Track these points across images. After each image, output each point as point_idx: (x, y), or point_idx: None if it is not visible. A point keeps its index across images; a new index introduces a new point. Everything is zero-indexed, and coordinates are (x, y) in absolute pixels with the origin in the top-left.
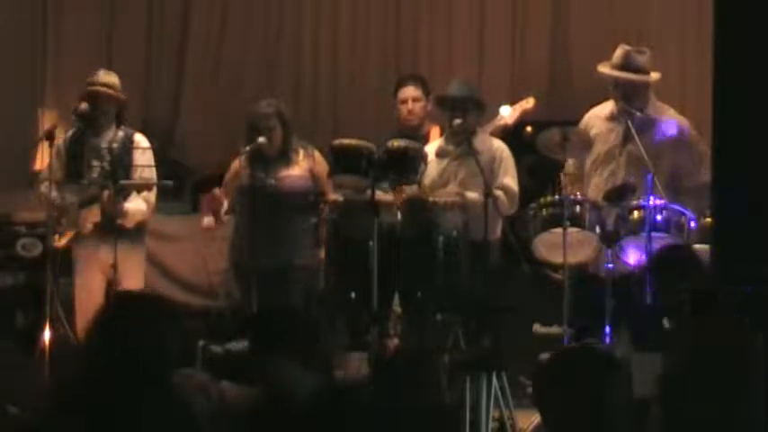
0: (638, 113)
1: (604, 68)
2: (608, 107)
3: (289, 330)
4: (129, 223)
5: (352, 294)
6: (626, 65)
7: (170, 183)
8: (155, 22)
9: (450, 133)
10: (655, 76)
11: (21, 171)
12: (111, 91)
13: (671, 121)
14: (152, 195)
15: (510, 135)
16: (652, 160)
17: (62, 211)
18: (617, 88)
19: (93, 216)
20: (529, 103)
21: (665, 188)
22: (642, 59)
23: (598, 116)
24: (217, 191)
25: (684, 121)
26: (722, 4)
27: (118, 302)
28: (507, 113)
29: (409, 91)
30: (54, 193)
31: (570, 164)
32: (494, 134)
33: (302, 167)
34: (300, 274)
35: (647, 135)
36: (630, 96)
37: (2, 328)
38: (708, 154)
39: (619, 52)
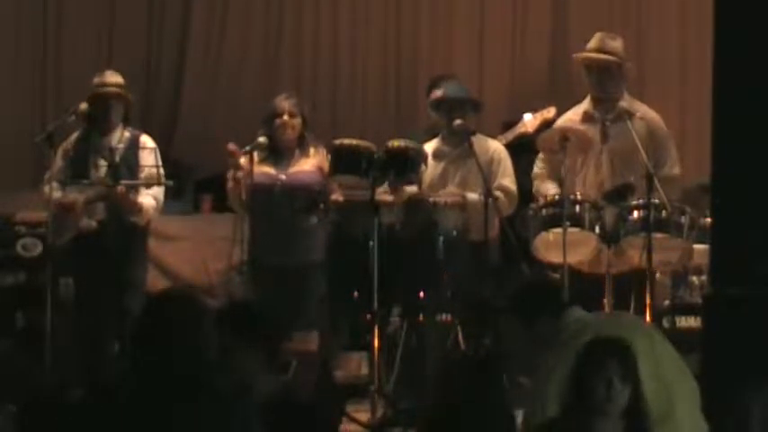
0: (609, 117)
1: (579, 54)
2: (581, 108)
3: (256, 327)
4: (143, 220)
5: (355, 294)
6: (598, 49)
7: (170, 183)
8: (155, 22)
9: (448, 134)
10: (629, 65)
11: (22, 172)
12: (122, 91)
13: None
14: (160, 193)
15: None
16: (630, 155)
17: (68, 207)
18: (590, 74)
19: (97, 214)
20: (550, 112)
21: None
22: (614, 44)
23: (572, 119)
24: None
25: (657, 117)
26: (722, 6)
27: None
28: (529, 121)
29: (440, 93)
30: (58, 193)
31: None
32: (513, 141)
33: (312, 164)
34: (314, 271)
35: (623, 129)
36: (604, 81)
37: (2, 328)
38: (672, 148)
39: (593, 38)
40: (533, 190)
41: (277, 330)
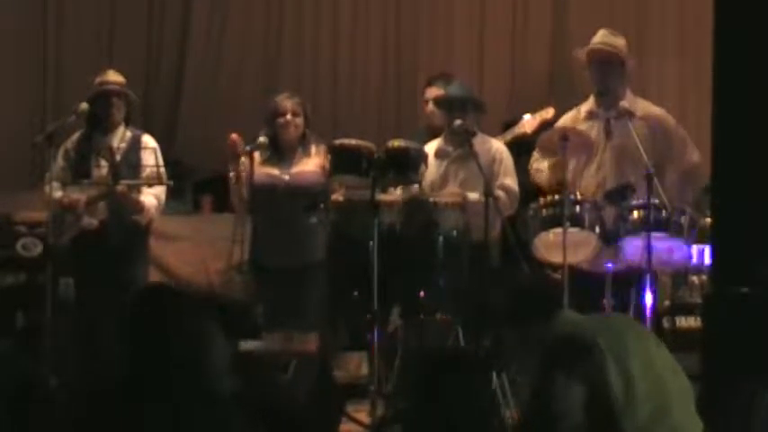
0: (613, 114)
1: (582, 49)
2: (584, 107)
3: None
4: (145, 219)
5: (355, 293)
6: (601, 43)
7: (170, 183)
8: (155, 22)
9: (449, 134)
10: (630, 63)
11: (22, 172)
12: (124, 89)
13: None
14: (162, 192)
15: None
16: (634, 152)
17: (70, 207)
18: (593, 67)
19: (99, 213)
20: (548, 113)
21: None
22: (616, 40)
23: (575, 117)
24: (234, 136)
25: (661, 112)
26: (722, 6)
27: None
28: (528, 121)
29: (434, 91)
30: (59, 193)
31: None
32: (511, 141)
33: (315, 163)
34: (314, 271)
35: (626, 127)
36: (605, 75)
37: (2, 328)
38: (686, 136)
39: (596, 34)
40: (530, 171)
41: (239, 330)
